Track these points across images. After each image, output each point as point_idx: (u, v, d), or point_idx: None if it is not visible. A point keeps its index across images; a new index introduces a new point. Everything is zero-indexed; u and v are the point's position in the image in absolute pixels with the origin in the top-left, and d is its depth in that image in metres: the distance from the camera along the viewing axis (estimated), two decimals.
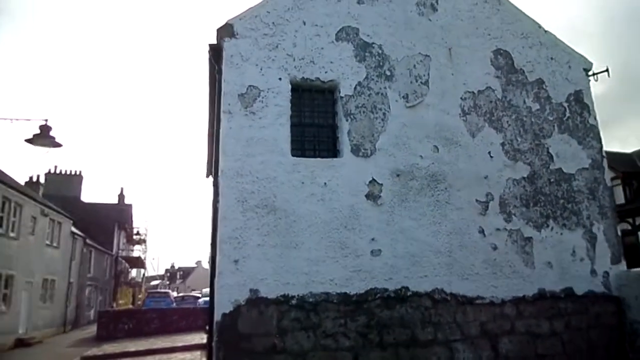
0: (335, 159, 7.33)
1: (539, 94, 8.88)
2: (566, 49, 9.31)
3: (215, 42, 7.23)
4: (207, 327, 7.11)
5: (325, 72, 7.57)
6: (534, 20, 9.24)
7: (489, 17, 8.90)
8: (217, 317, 6.17)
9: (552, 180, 8.47)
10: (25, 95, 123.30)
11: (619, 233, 8.67)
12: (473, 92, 8.38)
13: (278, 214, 6.69)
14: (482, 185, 7.93)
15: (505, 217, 7.93)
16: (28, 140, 9.49)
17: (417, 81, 8.07)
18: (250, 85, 7.13)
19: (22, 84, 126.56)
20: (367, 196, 7.20)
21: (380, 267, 6.94)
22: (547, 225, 8.14)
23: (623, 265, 8.40)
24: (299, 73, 7.44)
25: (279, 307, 6.38)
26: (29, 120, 9.60)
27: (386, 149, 7.55)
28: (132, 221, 45.71)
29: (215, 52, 7.21)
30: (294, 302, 6.47)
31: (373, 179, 7.32)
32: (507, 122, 8.49)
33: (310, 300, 6.55)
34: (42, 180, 32.49)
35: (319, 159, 7.24)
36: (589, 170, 8.78)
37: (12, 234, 21.22)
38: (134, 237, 46.23)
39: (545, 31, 9.21)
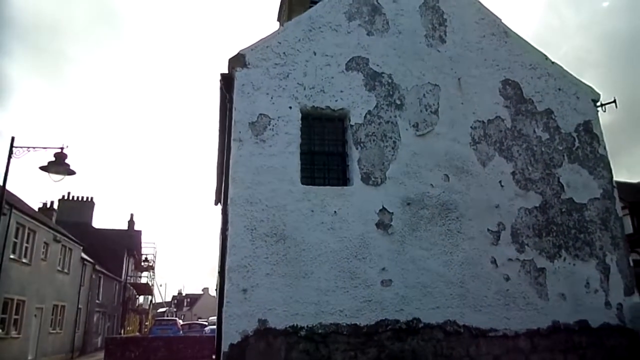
0: (345, 187, 7.23)
1: (548, 124, 8.74)
2: (573, 80, 9.21)
3: (227, 71, 7.26)
4: (214, 357, 6.93)
5: (336, 101, 7.54)
6: (540, 52, 9.18)
7: (496, 49, 8.88)
8: (224, 347, 5.97)
9: (563, 210, 8.26)
10: (43, 121, 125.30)
11: (631, 264, 8.40)
12: (483, 122, 8.30)
13: (287, 243, 6.59)
14: (493, 214, 7.77)
15: (517, 247, 7.72)
16: (43, 168, 9.39)
17: (427, 110, 8.02)
18: (260, 114, 7.12)
19: (41, 109, 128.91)
20: (378, 225, 7.08)
21: (391, 297, 6.77)
22: (560, 256, 7.90)
23: (636, 297, 8.11)
24: (309, 102, 7.42)
25: (287, 338, 6.19)
26: (46, 148, 9.59)
27: (397, 178, 7.45)
28: (141, 247, 45.15)
29: (227, 81, 7.24)
30: (303, 333, 6.27)
31: (383, 208, 7.21)
32: (518, 151, 8.35)
33: (320, 331, 6.34)
34: (55, 206, 32.54)
35: (328, 187, 7.14)
36: (600, 200, 8.56)
37: (24, 260, 20.96)
38: (143, 263, 45.60)
39: (552, 62, 9.17)
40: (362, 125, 7.60)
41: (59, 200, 37.61)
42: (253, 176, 6.78)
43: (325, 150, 7.49)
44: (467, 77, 8.44)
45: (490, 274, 7.38)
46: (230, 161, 6.86)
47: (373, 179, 7.35)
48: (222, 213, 6.93)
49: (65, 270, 26.50)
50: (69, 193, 39.64)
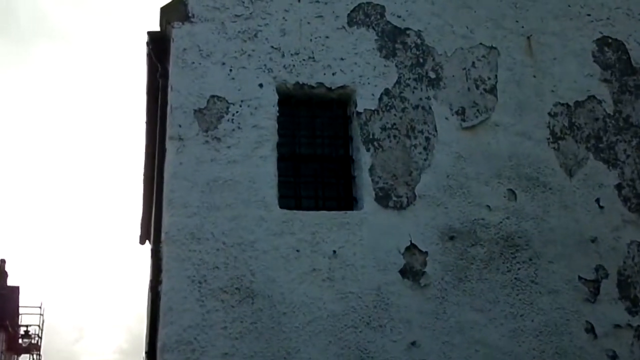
0: (350, 212, 7.06)
1: None
2: None
3: (158, 28, 7.34)
4: None
5: (333, 74, 7.35)
6: None
7: None
8: None
9: None
10: None
11: None
12: (568, 105, 7.98)
13: (258, 303, 6.45)
14: (588, 253, 7.40)
15: (628, 306, 7.35)
16: None
17: (478, 88, 7.79)
18: (213, 96, 6.97)
19: None
20: (403, 272, 6.89)
21: None
22: None
23: None
24: (290, 76, 7.23)
25: None
26: None
27: (432, 196, 7.21)
28: (18, 315, 41.08)
29: (158, 45, 7.26)
30: None
31: (412, 245, 6.97)
32: (625, 151, 7.96)
33: None
34: None
35: (323, 212, 6.98)
36: None
37: None
38: (21, 340, 41.23)
39: None
40: (376, 113, 7.37)
41: None
42: (202, 196, 6.64)
43: (317, 152, 7.35)
44: (541, 35, 8.17)
45: (584, 350, 7.01)
46: (165, 172, 6.83)
47: (395, 198, 7.11)
48: (152, 256, 6.90)
49: None
50: None
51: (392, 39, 7.73)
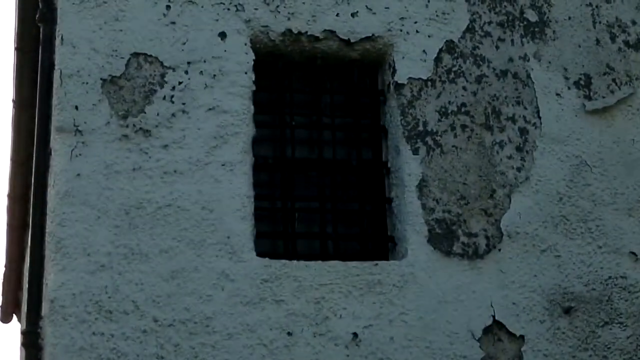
0: (383, 263, 6.18)
1: None
2: None
3: None
4: None
5: (354, 16, 6.52)
6: None
7: None
8: None
9: None
10: None
11: None
12: None
13: None
14: None
15: None
16: None
17: (614, 41, 7.09)
18: (136, 54, 6.14)
19: None
20: None
21: None
22: None
23: None
24: (276, 19, 6.45)
25: None
26: None
27: (531, 234, 6.35)
28: None
29: None
30: None
31: (495, 322, 6.09)
32: None
33: None
34: None
35: (335, 262, 6.07)
36: None
37: None
38: None
39: None
40: (431, 86, 6.51)
41: None
42: (115, 235, 5.79)
43: (323, 157, 6.60)
44: None
45: None
46: (48, 193, 5.98)
47: (464, 239, 6.25)
48: (25, 344, 6.06)
49: None
50: None
51: None
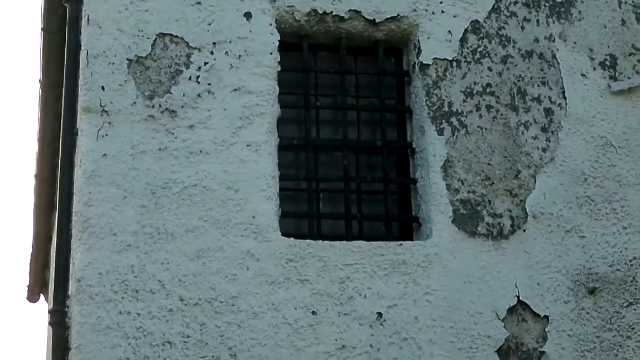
0: (408, 243, 6.21)
1: None
2: None
3: None
4: None
5: None
6: None
7: None
8: None
9: None
10: None
11: None
12: None
13: None
14: None
15: None
16: None
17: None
18: (163, 35, 6.18)
19: None
20: (505, 354, 6.06)
21: None
22: None
23: None
24: (300, 2, 6.50)
25: None
26: None
27: (556, 215, 6.36)
28: None
29: None
30: None
31: (520, 303, 6.12)
32: None
33: None
34: None
35: (360, 243, 6.08)
36: None
37: None
38: None
39: None
40: (457, 66, 6.56)
41: None
42: (142, 215, 5.84)
43: (348, 138, 6.56)
44: None
45: None
46: (75, 174, 5.97)
47: (489, 219, 6.26)
48: (52, 323, 6.09)
49: None
50: None
51: None
